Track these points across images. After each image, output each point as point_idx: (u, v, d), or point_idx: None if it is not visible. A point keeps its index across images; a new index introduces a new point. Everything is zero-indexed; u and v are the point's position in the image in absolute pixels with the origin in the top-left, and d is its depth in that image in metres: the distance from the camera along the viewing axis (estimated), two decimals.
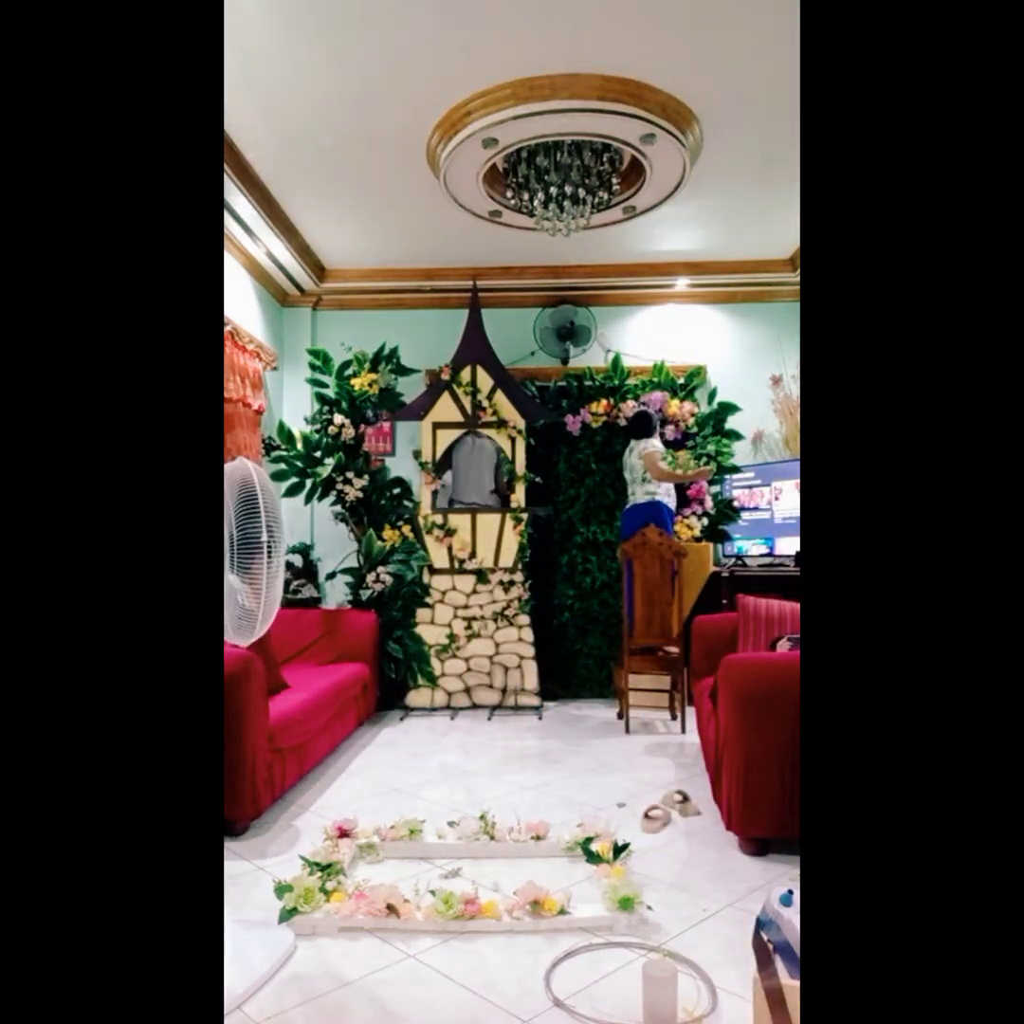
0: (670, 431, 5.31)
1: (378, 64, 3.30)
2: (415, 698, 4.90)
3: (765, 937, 1.39)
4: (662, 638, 4.52)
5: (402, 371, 5.34)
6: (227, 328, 4.59)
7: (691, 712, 4.24)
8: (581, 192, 4.00)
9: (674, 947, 1.95)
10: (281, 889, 2.13)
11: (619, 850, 2.42)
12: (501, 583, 5.01)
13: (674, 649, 4.49)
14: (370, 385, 5.22)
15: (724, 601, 4.86)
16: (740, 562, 5.31)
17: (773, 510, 5.21)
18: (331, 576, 5.21)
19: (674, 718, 4.59)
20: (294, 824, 2.90)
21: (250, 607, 1.95)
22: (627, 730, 4.42)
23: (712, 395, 5.43)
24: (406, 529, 5.03)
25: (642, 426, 4.91)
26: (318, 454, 5.14)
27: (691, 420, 5.33)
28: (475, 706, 4.93)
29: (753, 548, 5.32)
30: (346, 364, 5.36)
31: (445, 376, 5.09)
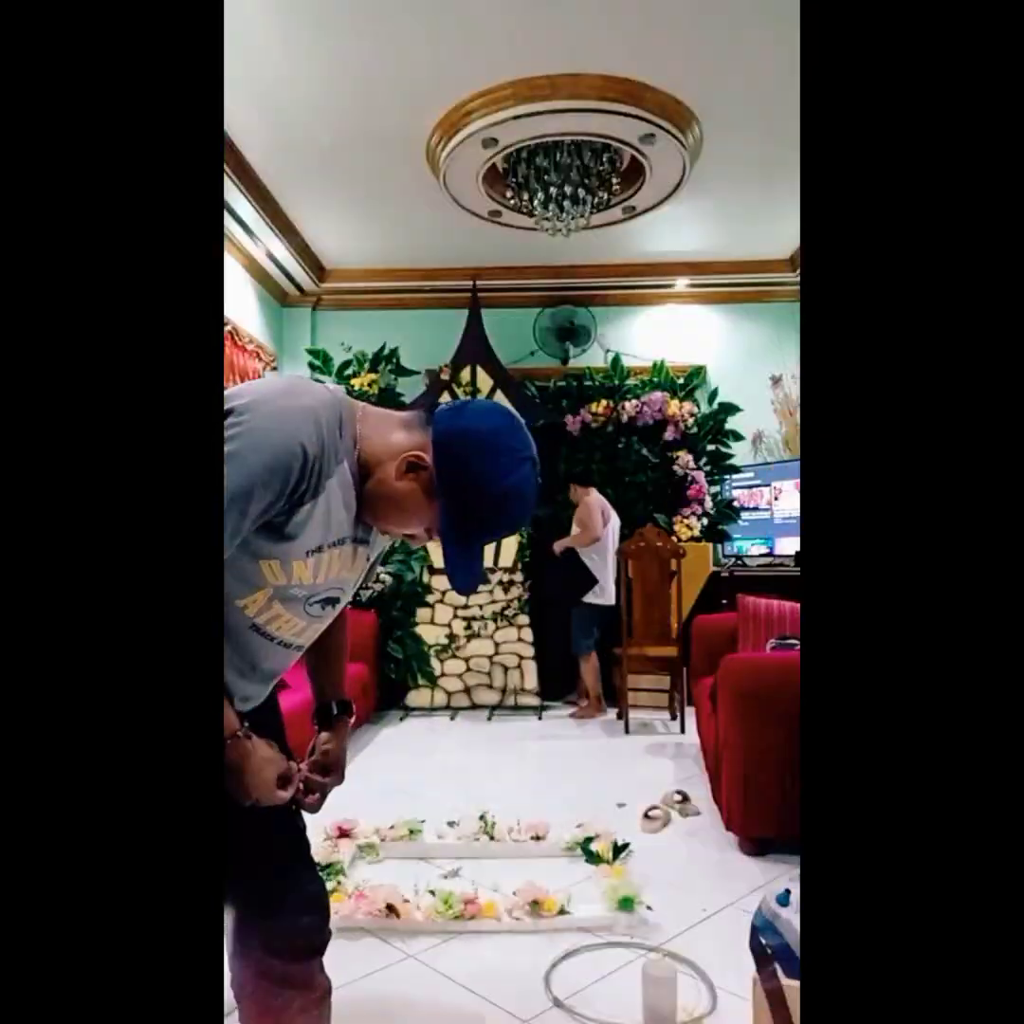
0: (670, 431, 5.30)
1: (378, 64, 3.30)
2: (415, 698, 4.90)
3: (763, 941, 1.39)
4: (661, 639, 4.52)
5: (402, 371, 5.33)
6: (227, 328, 4.59)
7: (691, 712, 4.24)
8: (581, 192, 4.00)
9: (674, 947, 1.95)
10: None
11: (619, 850, 2.43)
12: (501, 583, 5.01)
13: (673, 650, 4.49)
14: (370, 385, 5.22)
15: (724, 601, 4.86)
16: (740, 562, 5.31)
17: (773, 510, 5.21)
18: None
19: (674, 718, 4.59)
20: None
21: None
22: (627, 730, 4.42)
23: (712, 395, 5.43)
24: None
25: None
26: None
27: (691, 420, 5.32)
28: (475, 706, 4.93)
29: (753, 548, 5.31)
30: (346, 364, 5.36)
31: (445, 376, 5.08)
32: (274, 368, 5.37)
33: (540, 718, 4.78)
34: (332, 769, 1.27)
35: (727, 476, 5.38)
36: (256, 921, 1.14)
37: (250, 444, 0.94)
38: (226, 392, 0.99)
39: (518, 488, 1.02)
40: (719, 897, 2.25)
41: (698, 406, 5.39)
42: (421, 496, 1.04)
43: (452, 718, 4.76)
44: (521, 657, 4.96)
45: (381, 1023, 1.70)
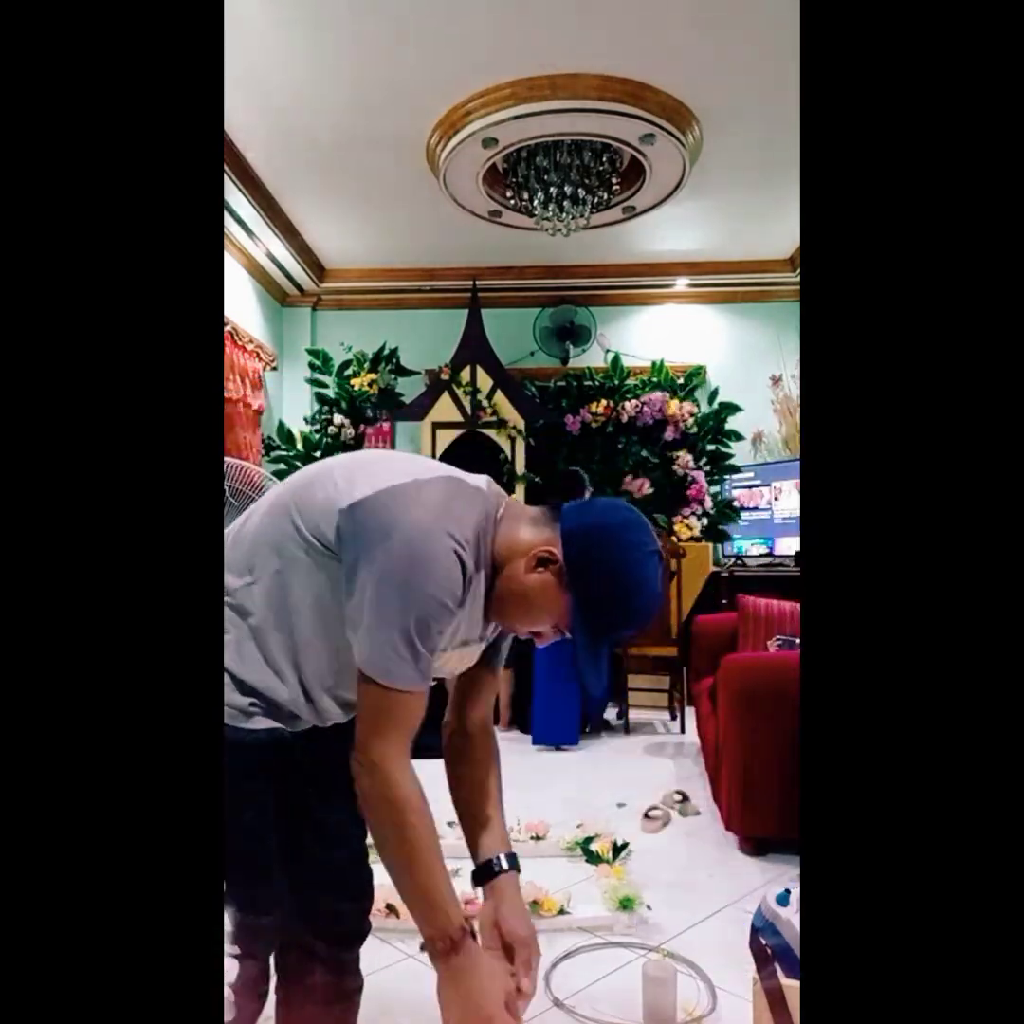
0: (670, 431, 5.30)
1: (378, 64, 3.30)
2: None
3: (763, 941, 1.39)
4: (661, 639, 4.52)
5: (402, 371, 5.33)
6: (226, 328, 4.58)
7: (691, 712, 4.24)
8: (581, 192, 4.00)
9: (674, 947, 1.95)
10: None
11: (619, 850, 2.42)
12: None
13: (673, 650, 4.49)
14: (370, 385, 5.22)
15: (724, 601, 4.86)
16: (740, 562, 5.31)
17: (773, 510, 5.21)
18: None
19: (674, 718, 4.59)
20: None
21: None
22: (627, 730, 4.42)
23: (712, 395, 5.43)
24: None
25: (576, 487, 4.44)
26: (318, 454, 5.13)
27: (691, 420, 5.32)
28: None
29: (753, 548, 5.31)
30: (346, 364, 5.36)
31: (445, 376, 5.08)
32: (274, 368, 5.37)
33: None
34: (523, 950, 1.08)
35: (727, 476, 5.37)
36: (311, 903, 1.17)
37: (412, 567, 0.94)
38: (379, 490, 0.98)
39: (647, 581, 1.02)
40: (719, 897, 2.25)
41: (698, 406, 5.39)
42: (552, 591, 1.03)
43: None
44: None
45: (381, 1023, 1.70)
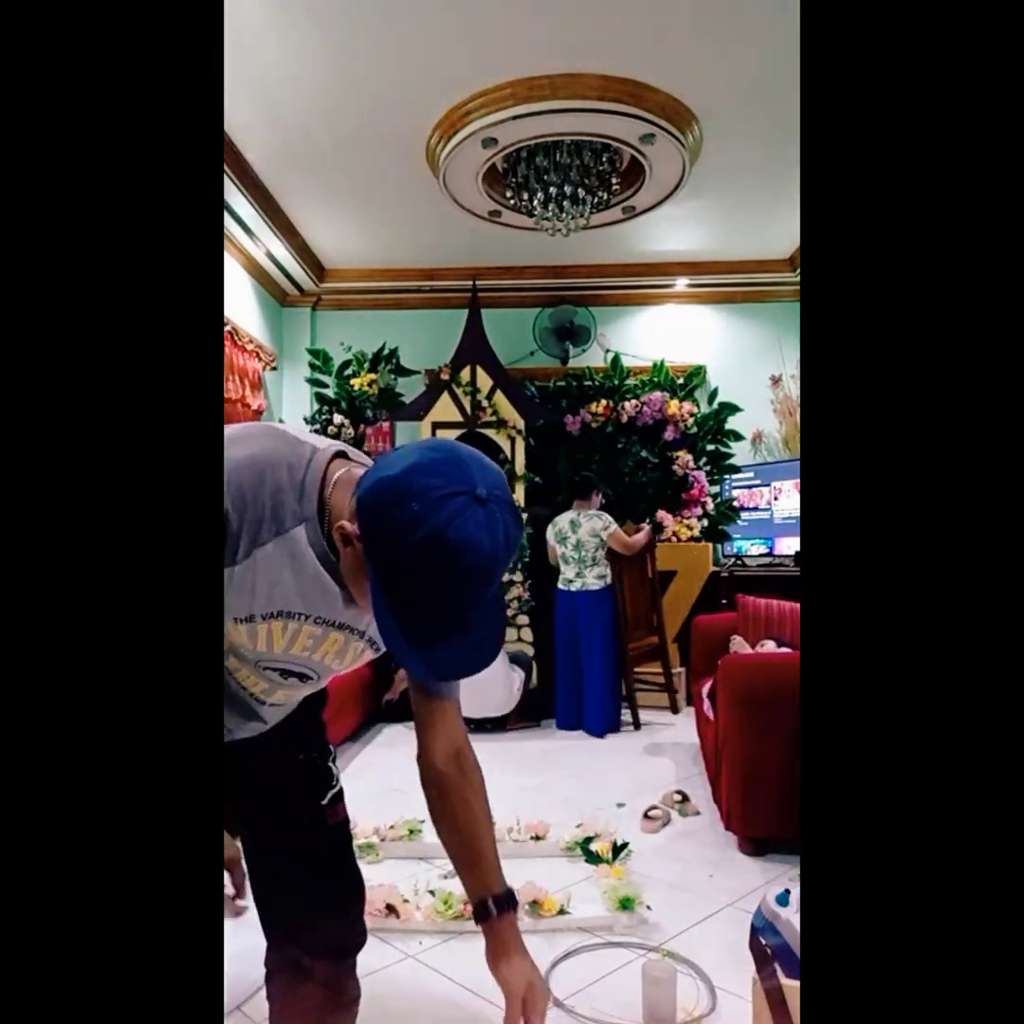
0: (670, 431, 5.31)
1: (378, 64, 3.30)
2: None
3: (763, 941, 1.39)
4: (646, 629, 4.59)
5: (402, 371, 5.33)
6: (226, 328, 4.58)
7: (691, 712, 4.24)
8: (581, 192, 4.00)
9: (674, 947, 1.95)
10: None
11: (618, 850, 2.42)
12: (500, 583, 5.00)
13: (655, 639, 4.54)
14: (370, 385, 5.22)
15: (724, 601, 4.86)
16: (740, 562, 5.31)
17: (773, 510, 5.21)
18: None
19: (676, 712, 4.61)
20: None
21: None
22: (637, 726, 4.43)
23: (712, 395, 5.43)
24: None
25: (583, 488, 4.58)
26: None
27: (690, 420, 5.32)
28: None
29: (753, 548, 5.32)
30: (346, 364, 5.36)
31: (445, 376, 5.08)
32: (274, 368, 5.37)
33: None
34: (515, 1003, 1.01)
35: (727, 476, 5.38)
36: (293, 918, 1.14)
37: None
38: None
39: (442, 531, 0.78)
40: (719, 897, 2.25)
41: (698, 406, 5.39)
42: (360, 572, 0.86)
43: None
44: None
45: (381, 1023, 1.70)
